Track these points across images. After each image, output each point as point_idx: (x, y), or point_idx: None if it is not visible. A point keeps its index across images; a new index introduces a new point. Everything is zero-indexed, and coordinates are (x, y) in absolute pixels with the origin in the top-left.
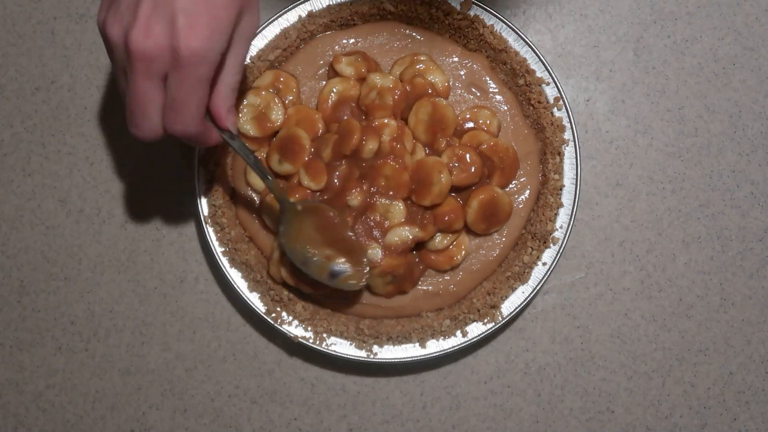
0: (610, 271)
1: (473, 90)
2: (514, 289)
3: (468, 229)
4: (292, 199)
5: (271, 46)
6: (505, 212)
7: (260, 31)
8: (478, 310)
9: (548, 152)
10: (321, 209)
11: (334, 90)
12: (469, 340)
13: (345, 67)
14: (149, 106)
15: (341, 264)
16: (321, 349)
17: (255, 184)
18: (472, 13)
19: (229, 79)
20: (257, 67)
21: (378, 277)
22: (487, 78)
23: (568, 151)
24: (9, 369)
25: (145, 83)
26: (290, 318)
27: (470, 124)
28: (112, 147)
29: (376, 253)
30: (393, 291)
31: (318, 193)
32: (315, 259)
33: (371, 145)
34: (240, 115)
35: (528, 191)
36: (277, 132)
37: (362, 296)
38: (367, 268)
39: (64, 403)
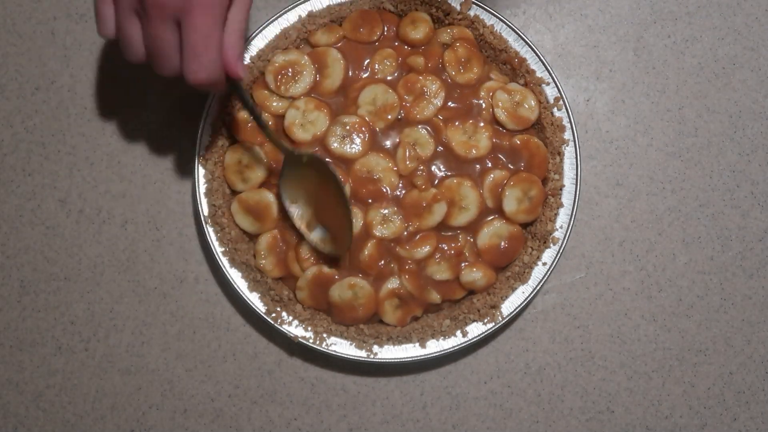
0: (610, 271)
1: None
2: (514, 289)
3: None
4: (297, 152)
5: (271, 46)
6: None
7: (260, 31)
8: (478, 310)
9: (548, 152)
10: (324, 167)
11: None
12: (469, 340)
13: (321, 36)
14: (168, 48)
15: (321, 231)
16: (321, 349)
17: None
18: (472, 13)
19: (235, 26)
20: (257, 67)
21: (385, 301)
22: None
23: (568, 151)
24: (9, 369)
25: (161, 26)
26: (290, 318)
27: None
28: (112, 147)
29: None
30: (403, 317)
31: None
32: (301, 213)
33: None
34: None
35: None
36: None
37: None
38: (349, 243)
39: (64, 403)
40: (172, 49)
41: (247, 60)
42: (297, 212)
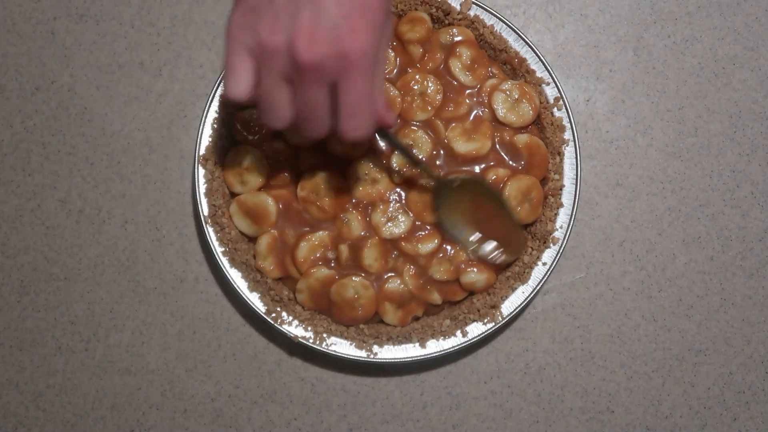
0: (610, 271)
1: None
2: (514, 289)
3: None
4: (446, 177)
5: None
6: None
7: None
8: (478, 310)
9: (548, 152)
10: (475, 184)
11: None
12: (469, 340)
13: None
14: (321, 111)
15: (490, 247)
16: (321, 349)
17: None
18: (472, 13)
19: (380, 76)
20: None
21: (386, 301)
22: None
23: (568, 151)
24: (9, 369)
25: (317, 90)
26: (290, 318)
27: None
28: (112, 147)
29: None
30: (404, 317)
31: None
32: (467, 236)
33: None
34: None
35: None
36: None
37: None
38: (523, 243)
39: (64, 403)
40: (325, 111)
41: None
42: (462, 236)
